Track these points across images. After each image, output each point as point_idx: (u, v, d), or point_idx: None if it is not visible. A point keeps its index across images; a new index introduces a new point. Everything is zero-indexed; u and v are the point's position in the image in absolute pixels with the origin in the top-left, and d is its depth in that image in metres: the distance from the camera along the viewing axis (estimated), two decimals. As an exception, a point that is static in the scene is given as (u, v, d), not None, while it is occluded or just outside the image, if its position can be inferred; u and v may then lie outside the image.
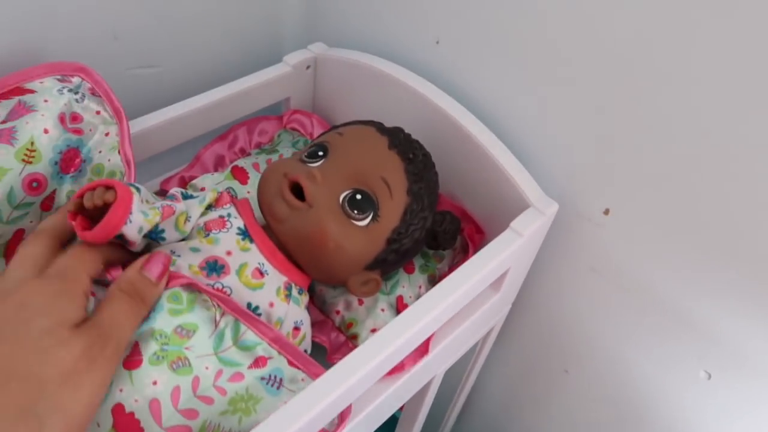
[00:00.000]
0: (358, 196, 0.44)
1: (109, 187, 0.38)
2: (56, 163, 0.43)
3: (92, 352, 0.33)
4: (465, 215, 0.55)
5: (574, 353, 0.65)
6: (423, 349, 0.48)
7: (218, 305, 0.40)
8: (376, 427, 0.50)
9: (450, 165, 0.55)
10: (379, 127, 0.48)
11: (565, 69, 0.48)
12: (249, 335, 0.40)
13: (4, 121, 0.43)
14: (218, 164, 0.60)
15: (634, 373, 0.59)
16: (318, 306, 0.52)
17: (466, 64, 0.56)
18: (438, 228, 0.50)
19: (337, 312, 0.50)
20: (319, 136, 0.51)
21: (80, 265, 0.36)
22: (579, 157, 0.51)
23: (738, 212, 0.43)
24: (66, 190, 0.44)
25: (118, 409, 0.35)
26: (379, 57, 0.60)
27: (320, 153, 0.46)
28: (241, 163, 0.58)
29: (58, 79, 0.47)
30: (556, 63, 0.49)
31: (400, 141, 0.47)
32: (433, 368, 0.53)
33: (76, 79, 0.48)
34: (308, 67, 0.65)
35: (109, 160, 0.46)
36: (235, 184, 0.55)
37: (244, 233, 0.45)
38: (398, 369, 0.46)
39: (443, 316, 0.44)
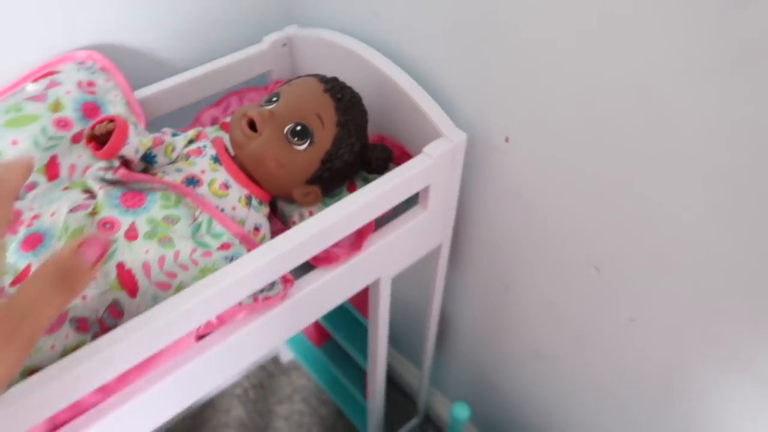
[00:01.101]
0: (298, 128, 0.60)
1: (111, 121, 0.55)
2: (78, 110, 0.61)
3: None
4: (398, 147, 0.69)
5: (513, 271, 0.77)
6: (357, 246, 0.62)
7: (197, 206, 0.56)
8: (321, 312, 0.65)
9: (386, 111, 0.70)
10: (319, 77, 0.64)
11: (473, 35, 0.62)
12: (218, 227, 0.56)
13: (41, 96, 0.62)
14: (213, 124, 0.76)
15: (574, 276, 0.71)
16: (279, 218, 0.67)
17: (399, 30, 0.70)
18: (371, 155, 0.65)
19: (294, 222, 0.65)
20: (278, 87, 0.66)
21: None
22: (482, 96, 0.65)
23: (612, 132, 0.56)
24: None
25: (120, 266, 0.51)
26: (338, 32, 0.75)
27: (274, 99, 0.62)
28: (228, 119, 0.74)
29: (77, 63, 0.65)
30: (458, 25, 0.62)
31: (332, 86, 0.62)
32: (374, 269, 0.67)
33: (89, 62, 0.66)
34: (284, 45, 0.80)
35: (120, 113, 0.64)
36: (222, 134, 0.71)
37: (215, 159, 0.61)
38: (333, 259, 0.61)
39: (365, 212, 0.59)
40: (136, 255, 0.52)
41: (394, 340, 1.14)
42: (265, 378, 1.28)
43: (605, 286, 0.65)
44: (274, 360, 1.30)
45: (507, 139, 0.65)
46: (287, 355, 1.30)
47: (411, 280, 0.94)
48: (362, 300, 0.81)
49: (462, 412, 0.89)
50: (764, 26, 0.40)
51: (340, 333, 0.97)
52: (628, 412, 0.73)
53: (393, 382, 1.23)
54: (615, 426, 0.76)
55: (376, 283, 0.70)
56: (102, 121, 0.55)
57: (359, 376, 1.06)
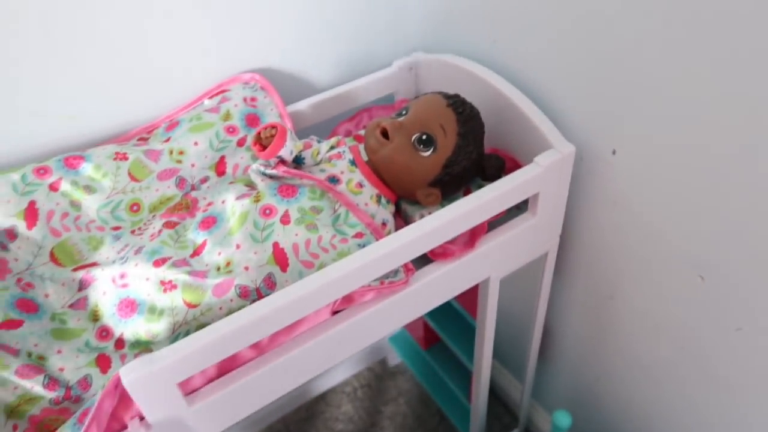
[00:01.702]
0: (424, 137, 0.69)
1: (273, 127, 0.67)
2: (243, 119, 0.74)
3: None
4: (509, 158, 0.76)
5: (617, 281, 0.81)
6: (470, 244, 0.69)
7: (337, 200, 0.67)
8: (437, 302, 0.72)
9: (500, 126, 0.77)
10: (443, 94, 0.73)
11: (583, 55, 0.68)
12: (353, 219, 0.66)
13: (216, 108, 0.76)
14: (347, 136, 0.88)
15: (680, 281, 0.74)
16: (402, 217, 0.76)
17: (514, 54, 0.78)
18: (486, 163, 0.72)
19: (414, 221, 0.74)
20: (407, 103, 0.76)
21: None
22: (590, 110, 0.70)
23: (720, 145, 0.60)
24: (251, 137, 0.75)
25: (275, 245, 0.62)
26: (458, 56, 0.84)
27: (403, 112, 0.72)
28: (361, 132, 0.85)
29: (243, 83, 0.79)
30: (575, 51, 0.69)
31: (455, 101, 0.71)
32: (484, 268, 0.74)
33: (252, 83, 0.80)
34: (411, 69, 0.91)
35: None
36: (356, 143, 0.82)
37: (352, 162, 0.71)
38: (449, 254, 0.68)
39: (477, 213, 0.66)
40: (288, 237, 0.63)
41: (497, 352, 1.19)
42: (372, 379, 1.37)
43: (710, 294, 0.67)
44: (382, 362, 1.39)
45: (614, 152, 0.70)
46: (394, 359, 1.38)
47: (515, 293, 0.99)
48: (471, 301, 0.88)
49: (563, 419, 0.92)
50: None
51: (448, 334, 1.04)
52: (725, 426, 0.73)
53: (494, 395, 1.27)
54: (721, 441, 0.77)
55: (485, 282, 0.77)
56: (266, 128, 0.68)
57: (464, 379, 1.11)
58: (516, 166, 0.77)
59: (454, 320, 1.04)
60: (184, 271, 0.61)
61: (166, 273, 0.61)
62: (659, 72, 0.60)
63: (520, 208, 0.75)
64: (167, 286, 0.61)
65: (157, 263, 0.62)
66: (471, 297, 0.85)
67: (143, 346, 0.61)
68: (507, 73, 0.79)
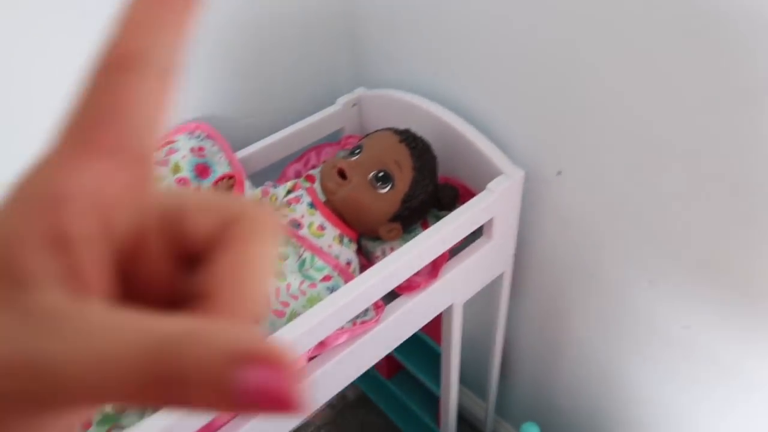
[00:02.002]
0: (381, 174, 0.70)
1: (231, 178, 0.66)
2: (193, 170, 0.73)
3: None
4: (462, 187, 0.79)
5: (570, 294, 0.85)
6: (434, 274, 0.71)
7: (300, 245, 0.66)
8: (407, 334, 0.73)
9: (449, 155, 0.79)
10: (394, 130, 0.74)
11: (523, 83, 0.72)
12: (319, 262, 0.66)
13: (164, 161, 0.74)
14: (297, 177, 0.88)
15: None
16: (364, 255, 0.77)
17: (457, 85, 0.81)
18: (441, 194, 0.74)
19: (377, 257, 0.75)
20: (358, 141, 0.77)
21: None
22: (535, 136, 0.74)
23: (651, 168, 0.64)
24: (204, 187, 0.74)
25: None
26: (401, 90, 0.86)
27: (357, 150, 0.73)
28: (311, 171, 0.85)
29: (188, 133, 0.78)
30: (516, 80, 0.73)
31: (407, 137, 0.73)
32: (448, 295, 0.76)
33: (198, 132, 0.79)
34: (354, 105, 0.92)
35: (226, 171, 0.75)
36: (307, 184, 0.82)
37: (311, 205, 0.71)
38: (414, 286, 0.69)
39: (439, 245, 0.68)
40: (256, 288, 0.62)
41: (460, 373, 1.20)
42: (334, 416, 1.34)
43: (659, 297, 0.71)
44: (342, 397, 1.37)
45: (559, 172, 0.74)
46: (354, 392, 1.37)
47: (474, 314, 1.01)
48: (432, 327, 0.89)
49: (532, 431, 0.94)
50: None
51: (412, 362, 1.05)
52: (681, 421, 0.78)
53: (460, 416, 1.28)
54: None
55: (449, 309, 0.79)
56: (223, 179, 0.67)
57: (430, 404, 1.12)
58: (468, 193, 0.79)
59: (416, 347, 1.05)
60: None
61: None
62: (597, 95, 0.64)
63: (476, 232, 0.78)
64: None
65: None
66: (432, 323, 0.86)
67: (112, 421, 0.58)
68: (450, 103, 0.82)
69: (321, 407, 1.35)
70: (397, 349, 1.07)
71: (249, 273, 0.16)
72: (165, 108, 0.16)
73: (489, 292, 0.88)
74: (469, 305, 0.81)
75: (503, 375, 1.09)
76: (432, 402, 1.11)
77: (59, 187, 0.14)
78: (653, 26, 0.56)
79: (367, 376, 1.29)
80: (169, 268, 0.17)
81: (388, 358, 1.16)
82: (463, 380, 1.25)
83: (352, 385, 1.33)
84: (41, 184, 0.14)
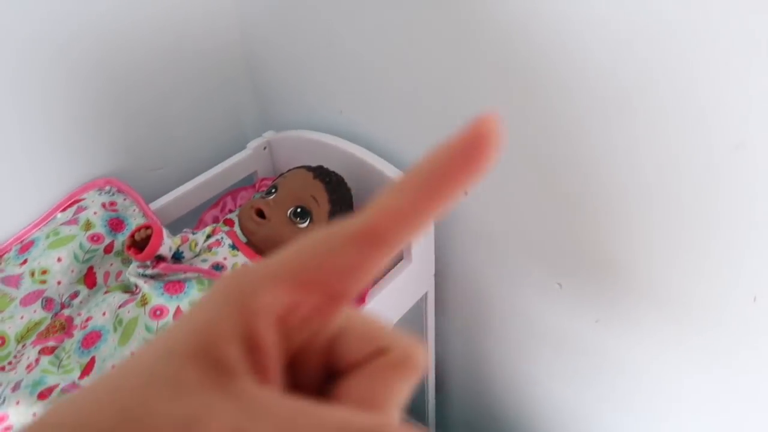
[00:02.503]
0: (299, 209, 0.72)
1: (148, 227, 0.66)
2: (106, 225, 0.72)
3: None
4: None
5: (491, 304, 0.90)
6: (361, 300, 0.73)
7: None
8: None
9: (364, 186, 0.83)
10: (307, 167, 0.77)
11: (417, 110, 0.77)
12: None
13: (74, 219, 0.73)
14: (215, 222, 0.88)
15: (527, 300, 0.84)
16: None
17: (361, 120, 0.86)
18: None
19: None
20: (272, 181, 0.80)
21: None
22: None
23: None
24: (119, 240, 0.73)
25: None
26: (309, 130, 0.90)
27: (273, 190, 0.75)
28: (229, 216, 0.86)
29: (97, 189, 0.77)
30: (411, 107, 0.78)
31: (320, 172, 0.76)
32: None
33: (107, 187, 0.78)
34: (265, 148, 0.94)
35: (141, 224, 0.75)
36: (226, 228, 0.83)
37: (233, 246, 0.72)
38: (345, 313, 0.72)
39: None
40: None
41: (395, 399, 1.22)
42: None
43: (568, 296, 0.78)
44: None
45: (465, 192, 0.79)
46: None
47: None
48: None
49: (472, 444, 0.97)
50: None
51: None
52: (587, 418, 0.84)
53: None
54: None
55: (379, 333, 0.81)
56: (139, 229, 0.66)
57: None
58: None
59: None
60: (77, 395, 0.57)
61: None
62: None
63: (396, 258, 0.82)
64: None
65: (43, 395, 0.57)
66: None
67: None
68: (356, 138, 0.86)
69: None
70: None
71: (378, 402, 0.19)
72: (372, 277, 0.18)
73: (416, 312, 0.91)
74: (397, 327, 0.84)
75: (439, 392, 1.12)
76: None
77: (261, 301, 0.17)
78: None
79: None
80: (318, 372, 0.20)
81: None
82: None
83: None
84: (249, 291, 0.17)
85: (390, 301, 0.79)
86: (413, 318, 0.93)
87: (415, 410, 1.24)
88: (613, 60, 0.57)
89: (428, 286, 0.88)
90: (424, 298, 0.89)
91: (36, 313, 0.67)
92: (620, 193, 0.64)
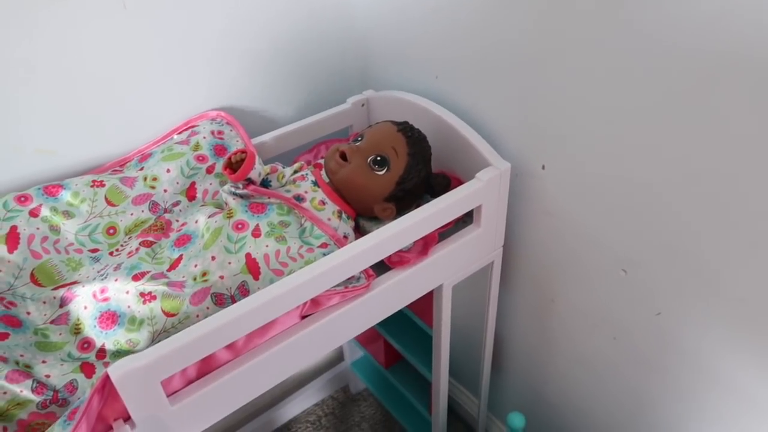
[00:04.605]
0: (378, 158, 0.77)
1: (243, 152, 0.74)
2: (211, 149, 0.82)
3: None
4: (455, 177, 0.86)
5: (556, 285, 0.90)
6: (424, 252, 0.77)
7: (302, 215, 0.74)
8: (396, 306, 0.79)
9: (444, 149, 0.87)
10: (393, 121, 0.82)
11: (512, 84, 0.79)
12: (318, 231, 0.74)
13: (186, 141, 0.83)
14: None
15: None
16: (362, 234, 0.84)
17: (454, 87, 0.89)
18: (434, 182, 0.81)
19: (372, 235, 0.82)
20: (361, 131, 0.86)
21: None
22: (522, 133, 0.81)
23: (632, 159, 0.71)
24: (221, 163, 0.82)
25: (248, 255, 0.69)
26: (405, 92, 0.94)
27: (359, 138, 0.80)
28: (320, 161, 0.93)
29: (210, 119, 0.87)
30: (505, 80, 0.80)
31: (404, 127, 0.80)
32: (437, 275, 0.82)
33: (218, 119, 0.88)
34: (363, 105, 1.00)
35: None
36: (313, 168, 0.90)
37: (315, 183, 0.79)
38: (405, 261, 0.76)
39: (427, 223, 0.74)
40: (259, 248, 0.69)
41: (452, 370, 1.25)
42: (336, 407, 1.40)
43: (633, 285, 0.77)
44: (345, 389, 1.43)
45: (543, 167, 0.81)
46: (356, 387, 1.42)
47: (466, 307, 1.07)
48: (428, 313, 0.95)
49: (517, 420, 0.98)
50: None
51: (406, 348, 1.10)
52: (658, 410, 0.82)
53: (453, 412, 1.33)
54: (648, 424, 0.85)
55: (439, 289, 0.85)
56: (236, 153, 0.75)
57: (423, 393, 1.17)
58: (460, 183, 0.86)
59: (412, 335, 1.10)
60: (163, 282, 0.67)
61: (146, 285, 0.66)
62: (579, 94, 0.71)
63: (466, 221, 0.85)
64: (147, 297, 0.66)
65: (137, 277, 0.67)
66: (426, 308, 0.92)
67: (124, 355, 0.66)
68: (448, 103, 0.89)
69: (324, 397, 1.41)
70: (393, 337, 1.14)
71: None
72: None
73: (480, 283, 0.94)
74: (460, 294, 0.87)
75: (495, 369, 1.14)
76: (426, 391, 1.16)
77: None
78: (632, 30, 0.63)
79: (368, 369, 1.35)
80: None
81: (387, 348, 1.22)
82: (456, 376, 1.30)
83: (355, 378, 1.39)
84: None
85: (453, 260, 0.82)
86: (478, 287, 0.95)
87: (469, 386, 1.27)
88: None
89: (495, 256, 0.90)
90: (489, 267, 0.92)
91: (143, 212, 0.78)
92: (697, 180, 0.63)
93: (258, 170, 0.75)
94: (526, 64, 0.75)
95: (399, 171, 0.78)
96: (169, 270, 0.70)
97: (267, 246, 0.70)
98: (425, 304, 0.91)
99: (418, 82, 0.95)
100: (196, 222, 0.74)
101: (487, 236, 0.86)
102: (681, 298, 0.72)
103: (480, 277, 0.92)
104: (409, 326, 1.11)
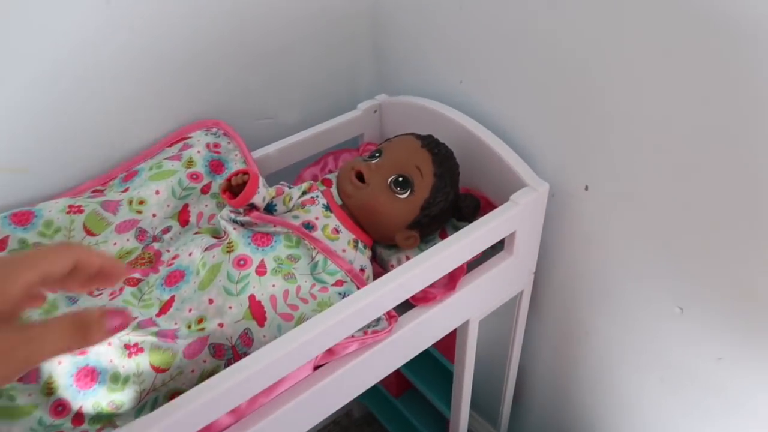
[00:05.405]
0: (400, 179, 0.67)
1: (245, 173, 0.64)
2: (207, 165, 0.71)
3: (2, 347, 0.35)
4: (483, 198, 0.76)
5: (592, 316, 0.81)
6: (451, 286, 0.68)
7: (314, 247, 0.64)
8: (420, 348, 0.69)
9: (470, 165, 0.77)
10: (416, 135, 0.72)
11: (550, 93, 0.69)
12: (332, 266, 0.63)
13: (177, 155, 0.72)
14: (314, 180, 0.85)
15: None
16: (379, 264, 0.74)
17: (481, 94, 0.79)
18: (462, 204, 0.71)
19: (392, 266, 0.72)
20: (378, 146, 0.75)
21: (40, 264, 0.39)
22: (562, 148, 0.71)
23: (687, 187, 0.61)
24: (217, 182, 0.72)
25: (251, 297, 0.58)
26: (423, 97, 0.84)
27: (377, 154, 0.70)
28: (328, 176, 0.83)
29: (205, 129, 0.76)
30: (542, 88, 0.70)
31: (429, 142, 0.70)
32: (464, 310, 0.72)
33: (214, 129, 0.77)
34: (375, 111, 0.90)
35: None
36: (323, 187, 0.80)
37: (327, 207, 0.69)
38: (430, 298, 0.66)
39: (457, 255, 0.64)
40: (264, 288, 0.59)
41: (471, 399, 1.16)
42: (339, 432, 1.30)
43: (690, 325, 0.67)
44: (348, 414, 1.33)
45: (586, 188, 0.71)
46: (360, 410, 1.33)
47: (488, 334, 0.98)
48: (446, 344, 0.85)
49: (544, 461, 0.90)
50: None
51: (422, 380, 1.01)
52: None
53: (467, 439, 1.23)
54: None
55: (465, 325, 0.75)
56: (237, 174, 0.64)
57: (438, 427, 1.08)
58: (489, 205, 0.76)
59: (427, 365, 1.01)
60: (151, 332, 0.56)
61: (131, 335, 0.56)
62: (628, 106, 0.61)
63: (495, 247, 0.75)
64: (132, 349, 0.56)
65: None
66: (445, 340, 0.83)
67: (105, 420, 0.55)
68: (473, 112, 0.79)
69: (326, 423, 1.31)
70: (407, 366, 1.03)
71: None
72: None
73: (506, 310, 0.84)
74: (484, 324, 0.78)
75: (516, 401, 1.05)
76: (440, 424, 1.07)
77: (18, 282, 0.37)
78: (688, 40, 0.53)
79: (375, 394, 1.25)
80: None
81: (398, 375, 1.12)
82: (474, 404, 1.20)
83: (359, 402, 1.29)
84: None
85: (482, 293, 0.73)
86: (503, 315, 0.86)
87: (488, 417, 1.18)
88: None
89: (525, 285, 0.81)
90: (518, 297, 0.82)
91: (129, 241, 0.67)
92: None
93: (262, 194, 0.64)
94: (570, 67, 0.65)
95: (424, 194, 0.68)
96: (158, 315, 0.59)
97: (274, 286, 0.59)
98: (446, 335, 0.81)
99: (439, 86, 0.85)
100: (190, 255, 0.63)
101: (519, 264, 0.76)
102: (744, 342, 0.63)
103: (506, 304, 0.82)
104: (427, 357, 1.01)
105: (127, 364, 0.55)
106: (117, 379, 0.55)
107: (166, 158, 0.72)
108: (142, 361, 0.55)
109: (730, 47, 0.51)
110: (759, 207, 0.55)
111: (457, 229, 0.75)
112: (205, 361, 0.57)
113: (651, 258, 0.68)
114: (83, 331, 0.38)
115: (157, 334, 0.56)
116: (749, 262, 0.58)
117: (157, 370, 0.55)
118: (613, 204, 0.69)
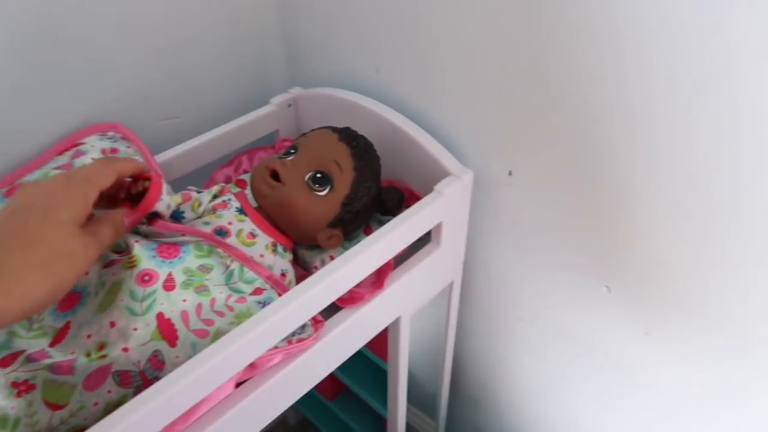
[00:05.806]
0: (318, 175, 0.63)
1: (146, 179, 0.58)
2: None
3: (89, 248, 0.47)
4: (407, 190, 0.73)
5: (523, 301, 0.80)
6: (378, 285, 0.64)
7: (228, 255, 0.58)
8: (350, 352, 0.66)
9: (392, 157, 0.74)
10: (332, 128, 0.68)
11: (470, 78, 0.67)
12: (249, 274, 0.58)
13: (68, 164, 0.65)
14: (227, 182, 0.79)
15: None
16: (301, 266, 0.69)
17: (399, 83, 0.76)
18: (385, 197, 0.68)
19: (315, 267, 0.68)
20: (293, 142, 0.70)
21: (98, 181, 0.51)
22: (485, 135, 0.69)
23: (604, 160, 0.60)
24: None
25: (160, 316, 0.53)
26: (339, 88, 0.80)
27: (292, 151, 0.66)
28: (243, 176, 0.77)
29: (100, 134, 0.69)
30: (462, 75, 0.68)
31: (347, 135, 0.66)
32: (395, 308, 0.69)
33: (110, 132, 0.70)
34: (290, 105, 0.85)
35: None
36: (236, 189, 0.74)
37: (240, 210, 0.64)
38: (357, 298, 0.63)
39: (384, 251, 0.61)
40: (174, 304, 0.54)
41: (407, 392, 1.14)
42: (276, 441, 1.25)
43: (618, 303, 0.68)
44: (283, 422, 1.28)
45: (510, 173, 0.69)
46: (296, 416, 1.28)
47: (421, 327, 0.96)
48: (377, 343, 0.82)
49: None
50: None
51: (356, 382, 0.97)
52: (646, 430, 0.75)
53: (407, 435, 1.22)
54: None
55: (396, 323, 0.72)
56: (137, 180, 0.58)
57: (376, 427, 1.05)
58: (413, 197, 0.74)
59: (360, 365, 0.98)
60: (44, 365, 0.50)
61: (18, 372, 0.49)
62: (549, 92, 0.60)
63: (421, 239, 0.72)
64: (22, 387, 0.49)
65: (5, 362, 0.50)
66: (377, 338, 0.80)
67: None
68: (393, 102, 0.76)
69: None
70: (340, 368, 1.00)
71: None
72: None
73: (437, 303, 0.82)
74: (416, 317, 0.75)
75: (452, 391, 1.04)
76: (378, 423, 1.04)
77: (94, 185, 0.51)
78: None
79: (309, 398, 1.20)
80: None
81: (331, 378, 1.08)
82: (411, 398, 1.18)
83: (294, 408, 1.24)
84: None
85: (412, 288, 0.70)
86: (434, 307, 0.84)
87: (425, 409, 1.16)
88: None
89: (455, 275, 0.79)
90: (449, 288, 0.80)
91: (14, 264, 0.59)
92: (691, 186, 0.54)
93: (166, 201, 0.58)
94: (490, 53, 0.63)
95: (345, 190, 0.64)
96: (52, 345, 0.52)
97: (185, 301, 0.54)
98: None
99: (356, 76, 0.81)
100: (87, 274, 0.56)
101: (448, 255, 0.74)
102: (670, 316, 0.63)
103: (437, 297, 0.80)
104: (359, 357, 0.98)
105: (17, 405, 0.48)
106: (6, 422, 0.48)
107: (56, 168, 0.65)
108: (35, 399, 0.49)
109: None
110: (676, 186, 0.55)
111: (381, 224, 0.71)
112: (109, 392, 0.51)
113: (576, 240, 0.68)
114: (118, 230, 0.53)
115: (50, 367, 0.49)
116: (668, 239, 0.59)
117: (53, 407, 0.49)
118: (536, 188, 0.68)
